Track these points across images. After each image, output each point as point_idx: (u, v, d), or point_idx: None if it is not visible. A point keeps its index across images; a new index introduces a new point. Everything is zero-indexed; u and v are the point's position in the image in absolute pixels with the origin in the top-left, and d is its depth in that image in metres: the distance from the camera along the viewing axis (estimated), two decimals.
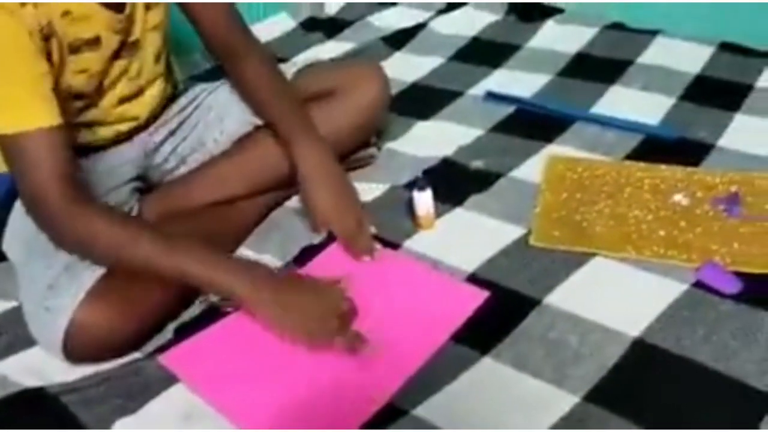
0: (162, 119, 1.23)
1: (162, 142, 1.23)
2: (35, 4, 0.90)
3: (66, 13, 0.95)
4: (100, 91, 1.06)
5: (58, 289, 0.94)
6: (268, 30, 1.82)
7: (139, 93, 1.12)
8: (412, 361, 0.91)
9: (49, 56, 0.94)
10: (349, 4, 1.95)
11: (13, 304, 1.08)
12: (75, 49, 0.97)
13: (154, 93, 1.15)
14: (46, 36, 0.93)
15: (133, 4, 1.04)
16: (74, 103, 1.04)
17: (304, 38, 1.82)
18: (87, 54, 0.99)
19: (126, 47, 1.06)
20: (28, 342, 1.00)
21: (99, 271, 0.95)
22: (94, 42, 1.00)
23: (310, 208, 1.13)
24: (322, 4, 1.94)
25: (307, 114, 1.15)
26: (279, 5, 1.90)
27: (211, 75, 1.59)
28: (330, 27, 1.86)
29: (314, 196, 1.12)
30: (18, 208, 1.07)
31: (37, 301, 0.96)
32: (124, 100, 1.10)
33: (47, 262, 0.97)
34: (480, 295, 1.00)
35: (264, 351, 0.94)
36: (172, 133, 1.23)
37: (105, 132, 1.12)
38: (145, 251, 0.92)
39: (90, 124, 1.09)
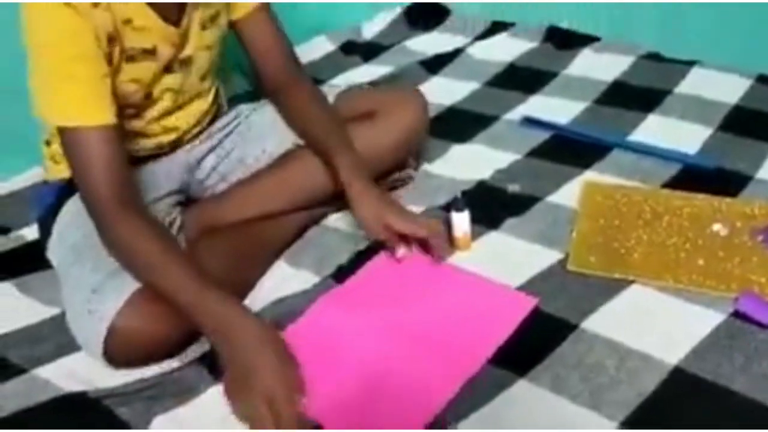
0: (204, 135, 1.26)
1: (204, 158, 1.25)
2: (107, 6, 0.95)
3: (127, 22, 0.99)
4: (146, 103, 1.10)
5: (102, 293, 0.97)
6: (307, 52, 1.85)
7: (181, 107, 1.16)
8: (467, 367, 0.93)
9: (110, 60, 0.98)
10: (386, 29, 1.99)
11: (56, 310, 1.11)
12: (131, 57, 1.02)
13: (195, 109, 1.19)
14: (111, 38, 0.97)
15: (189, 21, 1.07)
16: (122, 112, 1.07)
17: (342, 61, 1.86)
18: (142, 63, 1.04)
19: (177, 62, 1.09)
20: (70, 348, 1.02)
21: None
22: (151, 52, 1.04)
23: (371, 216, 1.10)
24: (359, 29, 1.98)
25: (348, 135, 1.17)
26: (318, 28, 1.94)
27: (252, 95, 1.63)
28: (367, 51, 1.89)
29: (376, 204, 1.10)
30: (65, 215, 1.11)
31: (81, 304, 0.98)
32: (166, 113, 1.14)
33: (93, 266, 1.00)
34: (530, 302, 1.02)
35: (342, 345, 0.98)
36: (213, 149, 1.26)
37: (146, 143, 1.15)
38: (173, 282, 0.94)
39: (133, 134, 1.12)
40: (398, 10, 2.04)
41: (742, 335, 0.95)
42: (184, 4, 1.06)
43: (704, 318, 0.98)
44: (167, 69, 1.09)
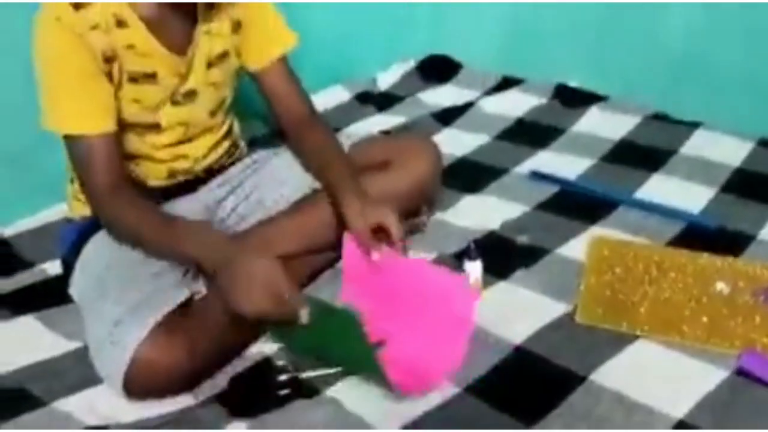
0: (225, 176, 1.30)
1: (224, 199, 1.30)
2: (106, 30, 1.04)
3: (130, 47, 1.07)
4: (156, 132, 1.16)
5: (124, 325, 1.00)
6: (323, 100, 1.91)
7: (190, 139, 1.20)
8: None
9: (110, 76, 1.07)
10: (400, 81, 2.05)
11: (77, 344, 1.13)
12: (134, 79, 1.09)
13: (205, 142, 1.23)
14: (108, 59, 1.06)
15: (194, 53, 1.14)
16: (127, 134, 1.14)
17: (357, 110, 1.92)
18: (144, 86, 1.10)
19: (181, 94, 1.15)
20: (91, 382, 1.05)
21: (163, 311, 1.02)
22: (152, 77, 1.10)
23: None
24: (374, 79, 2.05)
25: (359, 181, 1.21)
26: (335, 77, 2.00)
27: (270, 139, 1.68)
28: (381, 101, 1.95)
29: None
30: (88, 251, 1.15)
31: (104, 336, 1.01)
32: (175, 143, 1.19)
33: (115, 300, 1.04)
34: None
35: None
36: (233, 191, 1.30)
37: (158, 168, 1.20)
38: (149, 234, 1.08)
39: (144, 158, 1.18)
40: (412, 62, 2.11)
41: (745, 392, 0.98)
42: (191, 36, 1.13)
43: (708, 374, 1.01)
44: (173, 101, 1.15)
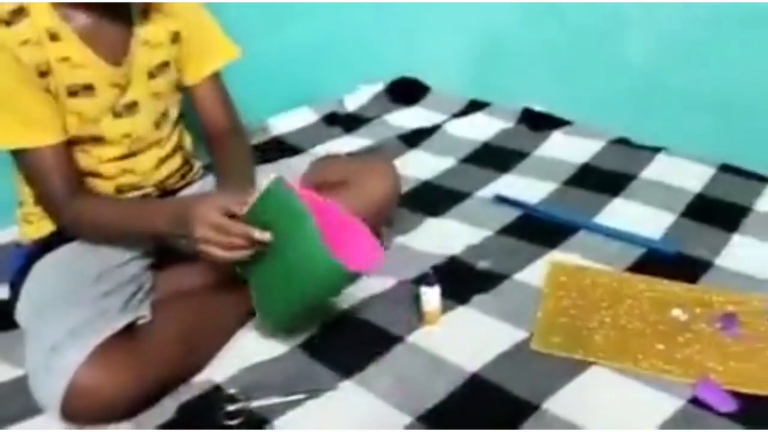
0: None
1: None
2: (37, 42, 1.04)
3: (65, 59, 1.06)
4: (100, 145, 1.15)
5: (60, 350, 0.98)
6: (290, 121, 1.91)
7: (135, 153, 1.18)
8: None
9: (48, 90, 1.06)
10: (368, 103, 2.05)
11: (19, 372, 1.10)
12: (73, 93, 1.09)
13: (152, 155, 1.21)
14: (42, 72, 1.05)
15: (131, 64, 1.13)
16: (73, 149, 1.13)
17: (324, 131, 1.91)
18: (82, 99, 1.10)
19: (123, 106, 1.15)
20: (35, 410, 1.02)
21: (105, 334, 0.99)
22: (89, 88, 1.10)
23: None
24: (342, 101, 2.04)
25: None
26: (303, 98, 1.99)
27: None
28: (349, 122, 1.95)
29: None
30: (32, 276, 1.12)
31: (39, 362, 0.99)
32: (121, 157, 1.17)
33: (54, 324, 1.01)
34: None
35: None
36: None
37: (104, 184, 1.18)
38: (112, 219, 1.11)
39: (89, 173, 1.16)
40: (380, 84, 2.11)
41: (699, 422, 0.98)
42: (127, 46, 1.13)
43: (663, 403, 1.01)
44: (115, 113, 1.14)
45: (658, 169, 1.63)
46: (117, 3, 1.09)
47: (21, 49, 1.02)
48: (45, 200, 1.12)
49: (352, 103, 2.04)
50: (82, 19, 1.08)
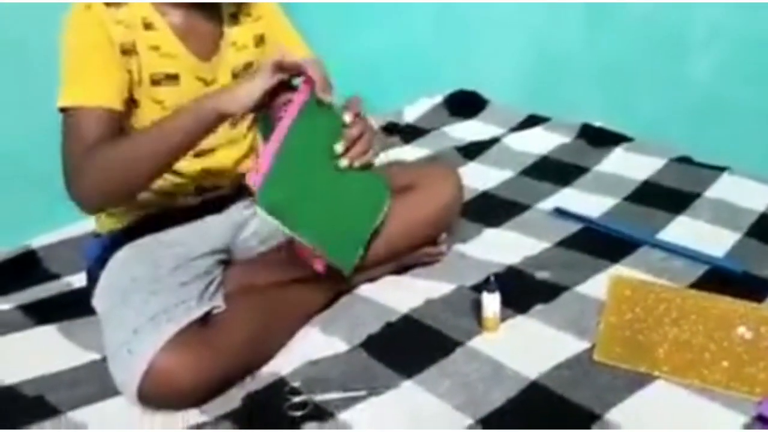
0: (250, 200, 1.32)
1: (247, 221, 1.31)
2: (129, 28, 1.08)
3: (155, 48, 1.11)
4: None
5: (142, 334, 1.02)
6: None
7: (211, 150, 1.21)
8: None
9: (128, 72, 1.09)
10: (427, 114, 2.08)
11: (94, 356, 1.15)
12: (156, 81, 1.12)
13: (227, 155, 1.24)
14: (126, 51, 1.08)
15: (219, 61, 1.17)
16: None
17: (382, 141, 1.93)
18: (165, 88, 1.13)
19: None
20: (106, 394, 1.06)
21: (182, 322, 1.03)
22: (174, 78, 1.14)
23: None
24: (401, 112, 2.07)
25: None
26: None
27: None
28: (408, 133, 1.97)
29: None
30: (114, 263, 1.17)
31: (121, 344, 1.03)
32: (196, 154, 1.19)
33: (136, 310, 1.06)
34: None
35: None
36: (256, 214, 1.32)
37: (186, 185, 1.21)
38: (125, 143, 1.04)
39: (170, 171, 1.17)
40: (439, 97, 2.13)
41: None
42: (217, 45, 1.17)
43: (727, 419, 1.00)
44: None
45: (721, 188, 1.61)
46: (210, 4, 1.14)
47: (112, 25, 1.07)
48: (69, 161, 1.03)
49: (411, 114, 2.07)
50: (176, 15, 1.13)
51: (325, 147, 1.10)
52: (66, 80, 1.07)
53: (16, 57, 1.53)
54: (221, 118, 1.03)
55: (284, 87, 1.05)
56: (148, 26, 1.11)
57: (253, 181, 1.01)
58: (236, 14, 1.21)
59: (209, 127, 1.05)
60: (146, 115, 1.14)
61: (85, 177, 1.02)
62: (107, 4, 1.08)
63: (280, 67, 1.01)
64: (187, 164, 1.20)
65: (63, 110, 1.06)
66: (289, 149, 1.04)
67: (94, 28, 1.07)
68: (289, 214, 1.05)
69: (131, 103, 1.12)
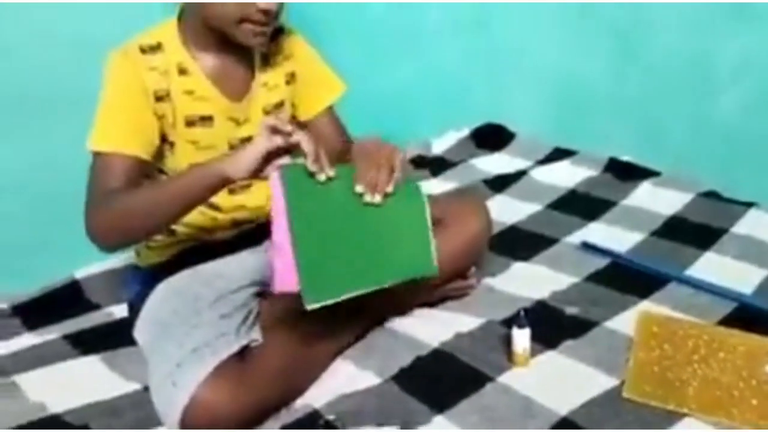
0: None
1: None
2: (163, 74, 1.13)
3: (189, 92, 1.16)
4: None
5: (185, 367, 1.06)
6: None
7: (246, 186, 1.25)
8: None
9: (162, 117, 1.14)
10: (454, 147, 2.12)
11: (135, 386, 1.19)
12: (190, 123, 1.17)
13: (263, 190, 1.26)
14: (159, 98, 1.14)
15: (251, 101, 1.22)
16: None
17: (411, 173, 1.97)
18: (199, 129, 1.18)
19: (238, 140, 1.22)
20: (148, 423, 1.10)
21: (223, 355, 1.07)
22: (208, 119, 1.19)
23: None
24: (429, 144, 2.11)
25: None
26: (390, 139, 2.07)
27: None
28: (436, 165, 2.01)
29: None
30: (155, 295, 1.21)
31: (165, 377, 1.07)
32: (232, 189, 1.23)
33: (179, 342, 1.10)
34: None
35: None
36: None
37: (223, 218, 1.25)
38: (140, 195, 1.09)
39: (207, 206, 1.22)
40: (466, 130, 2.17)
41: None
42: (248, 87, 1.22)
43: None
44: (231, 146, 1.22)
45: (749, 224, 1.61)
46: (242, 47, 1.18)
47: (147, 73, 1.13)
48: (90, 200, 1.08)
49: (438, 147, 2.10)
50: (209, 60, 1.18)
51: (342, 196, 1.08)
52: (98, 124, 1.12)
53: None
54: (225, 182, 1.06)
55: (280, 152, 1.06)
56: (182, 71, 1.16)
57: (287, 291, 1.04)
58: (267, 55, 1.25)
59: (214, 190, 1.07)
60: (181, 154, 1.18)
61: (100, 219, 1.08)
62: (143, 50, 1.14)
63: (275, 130, 1.03)
64: (224, 200, 1.24)
65: (94, 153, 1.11)
66: (302, 229, 1.04)
67: (128, 76, 1.12)
68: (338, 286, 1.07)
69: (166, 144, 1.17)
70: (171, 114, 1.16)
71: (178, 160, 1.19)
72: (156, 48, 1.15)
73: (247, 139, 1.23)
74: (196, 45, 1.17)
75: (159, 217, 1.08)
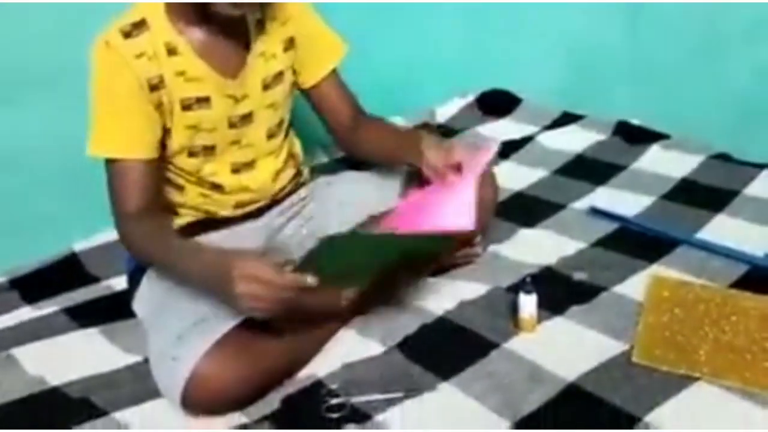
0: (287, 204, 1.33)
1: (283, 226, 1.33)
2: (152, 58, 1.07)
3: (180, 74, 1.10)
4: (212, 153, 1.18)
5: (186, 340, 1.03)
6: None
7: (250, 164, 1.22)
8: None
9: (159, 106, 1.09)
10: (459, 114, 2.07)
11: (135, 358, 1.17)
12: (186, 106, 1.12)
13: (267, 168, 1.25)
14: (154, 86, 1.08)
15: (247, 76, 1.16)
16: (190, 160, 1.17)
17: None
18: (197, 112, 1.13)
19: (238, 117, 1.18)
20: (147, 395, 1.08)
21: (224, 328, 1.04)
22: (204, 101, 1.13)
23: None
24: (433, 111, 2.07)
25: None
26: (395, 109, 2.04)
27: (331, 166, 1.72)
28: (441, 132, 1.97)
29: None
30: (154, 271, 1.19)
31: (165, 350, 1.05)
32: (236, 169, 1.21)
33: (179, 315, 1.07)
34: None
35: None
36: (292, 218, 1.33)
37: (226, 200, 1.23)
38: (150, 249, 1.10)
39: (211, 186, 1.20)
40: (471, 96, 2.13)
41: None
42: (243, 60, 1.15)
43: None
44: (230, 124, 1.17)
45: (762, 186, 1.57)
46: (233, 18, 1.09)
47: (135, 61, 1.06)
48: (113, 209, 1.12)
49: (443, 114, 2.06)
50: (198, 33, 1.11)
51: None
52: (98, 128, 1.09)
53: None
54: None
55: None
56: (171, 51, 1.09)
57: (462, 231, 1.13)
58: (262, 21, 1.18)
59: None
60: (179, 138, 1.14)
61: (126, 242, 1.13)
62: (126, 34, 1.06)
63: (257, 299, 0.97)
64: (228, 179, 1.21)
65: (105, 159, 1.10)
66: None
67: (118, 73, 1.06)
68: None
69: (165, 131, 1.13)
70: (167, 101, 1.10)
71: (176, 141, 1.14)
72: (140, 25, 1.07)
73: (248, 115, 1.19)
74: (182, 19, 1.09)
75: (173, 274, 1.11)
